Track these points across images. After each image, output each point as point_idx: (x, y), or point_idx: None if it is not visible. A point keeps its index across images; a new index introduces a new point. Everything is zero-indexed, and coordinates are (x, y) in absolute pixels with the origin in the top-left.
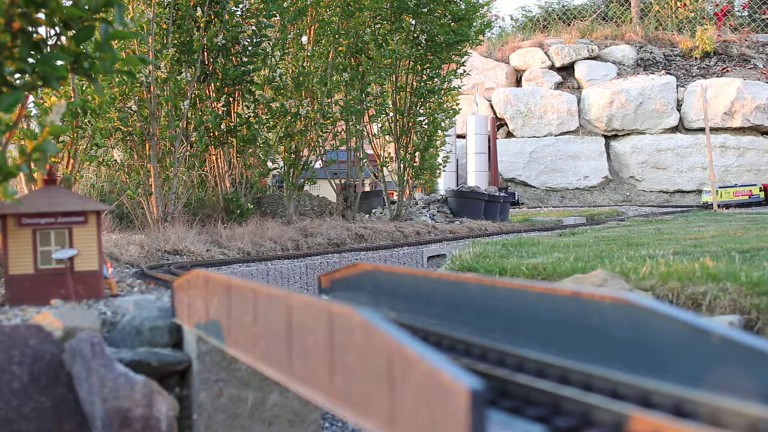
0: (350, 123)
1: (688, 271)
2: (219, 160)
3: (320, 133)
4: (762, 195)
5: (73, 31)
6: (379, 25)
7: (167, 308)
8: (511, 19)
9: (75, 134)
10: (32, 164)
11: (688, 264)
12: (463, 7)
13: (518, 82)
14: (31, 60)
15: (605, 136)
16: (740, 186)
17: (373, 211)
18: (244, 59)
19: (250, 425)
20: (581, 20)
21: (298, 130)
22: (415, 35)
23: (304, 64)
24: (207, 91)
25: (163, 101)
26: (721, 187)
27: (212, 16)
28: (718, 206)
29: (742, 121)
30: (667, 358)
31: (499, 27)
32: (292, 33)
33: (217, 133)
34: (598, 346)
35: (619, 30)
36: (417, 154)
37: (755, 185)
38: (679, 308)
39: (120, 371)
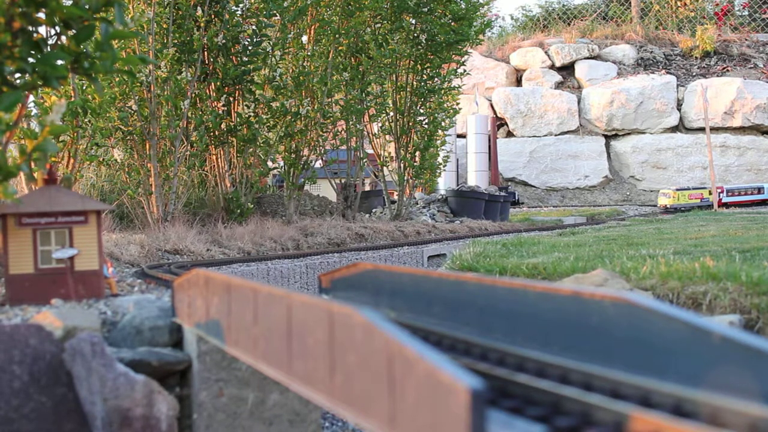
0: (350, 122)
1: (689, 271)
2: (219, 160)
3: (320, 133)
4: (710, 198)
5: (74, 31)
6: (379, 25)
7: (167, 308)
8: (512, 18)
9: (75, 134)
10: (32, 164)
11: (688, 264)
12: (463, 6)
13: (518, 82)
14: (31, 59)
15: (605, 136)
16: (693, 189)
17: (374, 210)
18: (245, 59)
19: (250, 425)
20: (581, 20)
21: (298, 130)
22: (415, 35)
23: (305, 64)
24: (207, 91)
25: (164, 101)
26: (678, 190)
27: (212, 16)
28: (675, 209)
29: (742, 120)
30: (668, 358)
31: (499, 26)
32: (292, 32)
33: (217, 133)
34: (598, 346)
35: (619, 29)
36: (417, 153)
37: (705, 188)
38: (679, 308)
39: (120, 371)
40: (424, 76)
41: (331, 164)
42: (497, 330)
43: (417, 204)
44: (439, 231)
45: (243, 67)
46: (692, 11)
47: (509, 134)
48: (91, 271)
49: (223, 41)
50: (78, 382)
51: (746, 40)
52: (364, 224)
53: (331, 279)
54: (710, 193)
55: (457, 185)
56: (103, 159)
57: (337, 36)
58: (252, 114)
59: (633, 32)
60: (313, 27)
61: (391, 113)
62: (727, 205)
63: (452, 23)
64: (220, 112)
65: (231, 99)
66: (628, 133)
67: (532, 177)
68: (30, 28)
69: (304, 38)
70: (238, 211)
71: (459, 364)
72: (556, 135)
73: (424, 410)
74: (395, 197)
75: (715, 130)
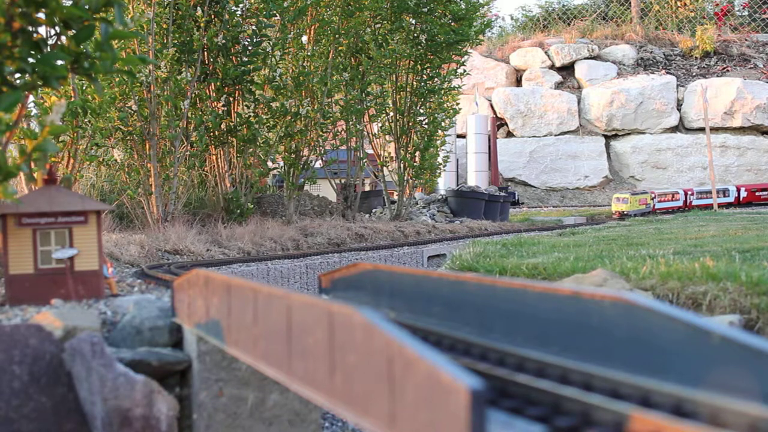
0: (350, 123)
1: (689, 271)
2: (219, 160)
3: (320, 133)
4: (651, 204)
5: (74, 31)
6: (379, 25)
7: (167, 308)
8: (511, 18)
9: (75, 134)
10: (32, 164)
11: (688, 264)
12: (463, 6)
13: (518, 82)
14: (31, 60)
15: (605, 136)
16: (641, 194)
17: (374, 210)
18: (244, 59)
19: (250, 425)
20: (581, 20)
21: (298, 130)
22: (415, 35)
23: (304, 64)
24: (207, 91)
25: (164, 101)
26: (633, 194)
27: (212, 16)
28: (629, 215)
29: (742, 120)
30: (668, 358)
31: (499, 27)
32: (292, 33)
33: (217, 133)
34: (598, 346)
35: (619, 30)
36: (417, 153)
37: (647, 193)
38: (679, 308)
39: (120, 371)
40: (424, 76)
41: (331, 164)
42: (497, 330)
43: (417, 204)
44: (439, 231)
45: (243, 67)
46: (692, 11)
47: (509, 134)
48: (91, 271)
49: (223, 41)
50: (78, 382)
51: (746, 40)
52: (364, 224)
53: (331, 279)
54: (651, 199)
55: (457, 185)
56: (103, 159)
57: (337, 36)
58: (252, 114)
59: (633, 32)
60: (313, 27)
61: (391, 113)
62: (656, 211)
63: (452, 23)
64: (220, 112)
65: (231, 99)
66: (628, 133)
67: (532, 177)
68: (30, 28)
69: (304, 38)
70: (238, 211)
71: (459, 364)
72: (555, 135)
73: (423, 410)
74: (395, 197)
75: (715, 130)
